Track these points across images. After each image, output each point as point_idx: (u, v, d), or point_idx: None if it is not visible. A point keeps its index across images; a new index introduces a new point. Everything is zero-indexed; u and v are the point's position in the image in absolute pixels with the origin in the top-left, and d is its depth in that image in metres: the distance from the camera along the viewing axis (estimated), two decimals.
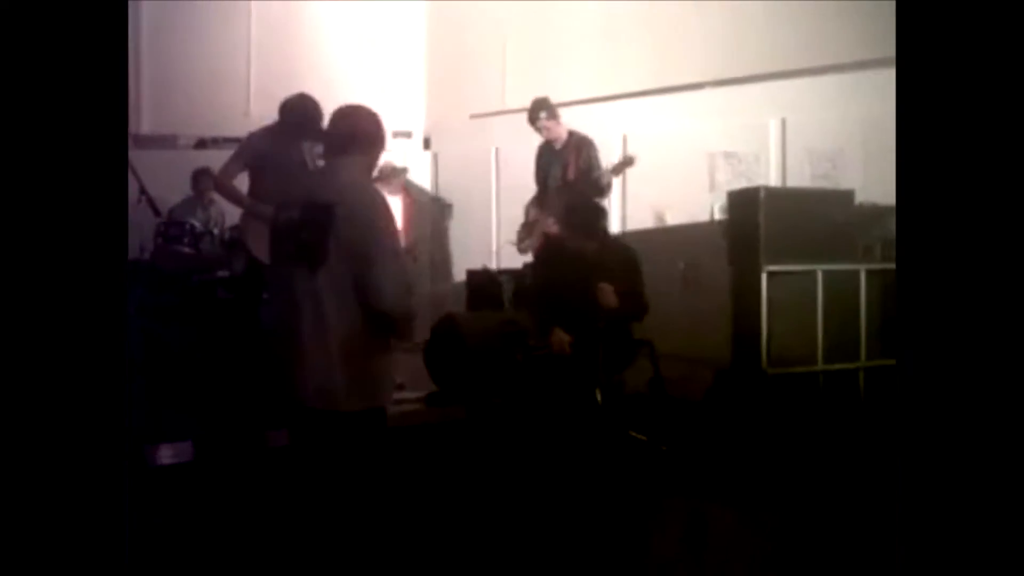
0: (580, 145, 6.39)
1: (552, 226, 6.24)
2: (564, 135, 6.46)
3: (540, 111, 6.38)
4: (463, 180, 9.12)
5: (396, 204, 8.77)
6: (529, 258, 6.69)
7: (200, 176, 7.64)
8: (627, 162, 6.28)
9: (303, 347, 3.10)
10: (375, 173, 6.24)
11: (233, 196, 5.52)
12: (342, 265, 3.03)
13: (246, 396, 4.77)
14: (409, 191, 8.95)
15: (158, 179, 6.52)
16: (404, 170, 8.44)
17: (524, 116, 6.54)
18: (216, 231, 7.08)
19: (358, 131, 3.25)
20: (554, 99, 6.56)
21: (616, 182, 7.65)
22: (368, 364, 3.16)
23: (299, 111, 5.44)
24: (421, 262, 9.31)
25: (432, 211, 9.36)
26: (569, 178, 6.34)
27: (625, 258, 4.90)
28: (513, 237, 6.90)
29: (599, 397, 4.45)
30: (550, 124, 6.40)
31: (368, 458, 3.27)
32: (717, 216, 6.91)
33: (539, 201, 6.62)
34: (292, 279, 3.11)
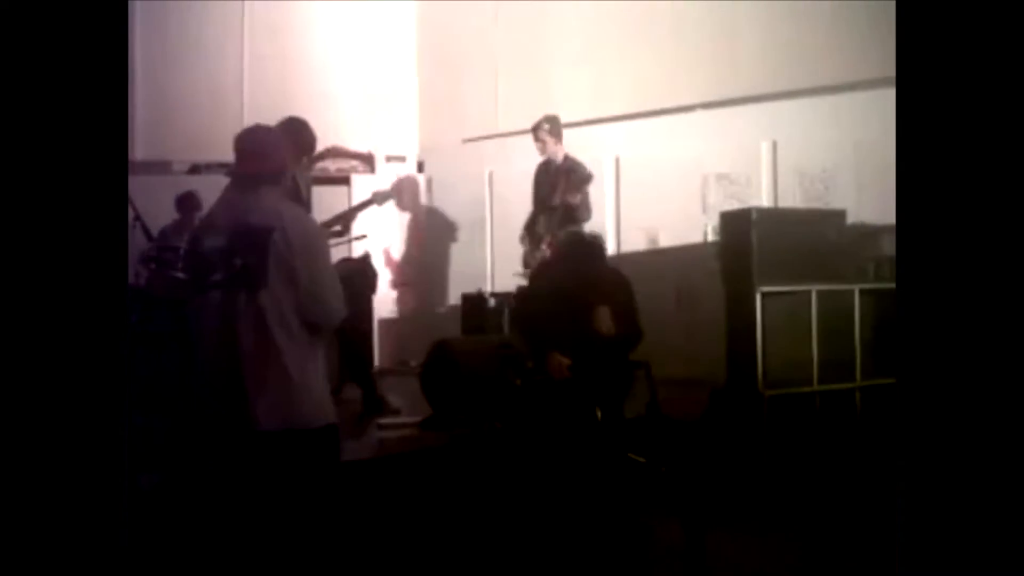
0: (570, 169, 6.38)
1: (545, 251, 6.29)
2: (560, 156, 6.49)
3: (544, 123, 6.47)
4: (457, 204, 9.14)
5: (405, 221, 8.82)
6: (524, 282, 6.68)
7: (185, 200, 7.63)
8: (585, 179, 6.26)
9: (253, 371, 3.09)
10: (391, 191, 6.19)
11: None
12: (281, 287, 3.09)
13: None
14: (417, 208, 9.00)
15: (152, 205, 6.51)
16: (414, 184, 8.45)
17: (517, 140, 6.58)
18: None
19: (269, 152, 3.29)
20: None
21: (609, 204, 7.71)
22: (318, 380, 3.22)
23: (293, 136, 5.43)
24: (418, 284, 9.33)
25: (429, 231, 9.38)
26: (554, 202, 6.35)
27: (618, 285, 4.89)
28: (511, 261, 6.88)
29: (599, 414, 4.45)
30: (546, 139, 6.45)
31: (330, 475, 3.29)
32: (710, 238, 6.93)
33: (532, 223, 6.63)
34: (227, 306, 3.11)
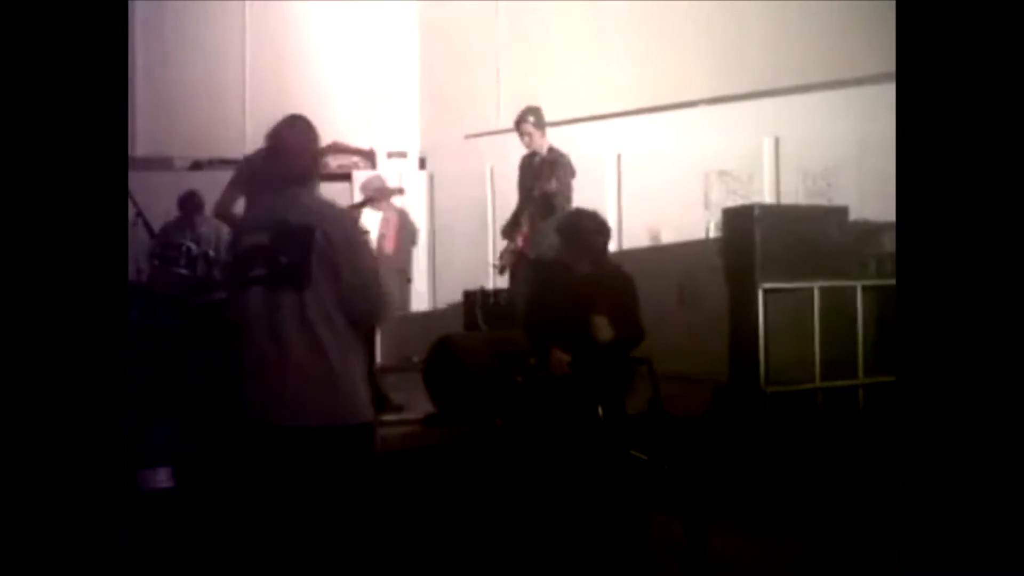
0: (554, 161, 6.26)
1: (519, 244, 6.25)
2: (545, 148, 6.36)
3: (528, 115, 6.35)
4: (458, 200, 9.15)
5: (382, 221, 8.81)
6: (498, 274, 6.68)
7: (186, 199, 7.62)
8: (568, 170, 6.21)
9: (298, 369, 3.10)
10: (369, 194, 6.24)
11: (234, 224, 5.49)
12: (325, 284, 3.09)
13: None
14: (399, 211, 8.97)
15: (154, 202, 6.53)
16: (399, 190, 8.44)
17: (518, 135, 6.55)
18: (212, 253, 7.05)
19: (307, 150, 3.30)
20: (549, 118, 6.53)
21: (611, 201, 7.68)
22: (359, 377, 3.23)
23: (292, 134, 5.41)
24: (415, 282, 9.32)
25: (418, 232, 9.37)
26: (536, 194, 6.24)
27: (620, 283, 4.86)
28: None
29: (600, 413, 4.44)
30: (531, 131, 6.33)
31: (365, 473, 3.28)
32: (712, 234, 6.92)
33: (517, 217, 6.52)
34: (270, 303, 3.12)
